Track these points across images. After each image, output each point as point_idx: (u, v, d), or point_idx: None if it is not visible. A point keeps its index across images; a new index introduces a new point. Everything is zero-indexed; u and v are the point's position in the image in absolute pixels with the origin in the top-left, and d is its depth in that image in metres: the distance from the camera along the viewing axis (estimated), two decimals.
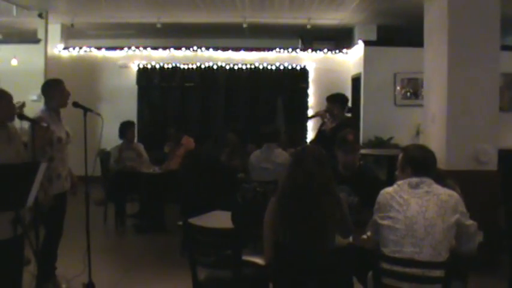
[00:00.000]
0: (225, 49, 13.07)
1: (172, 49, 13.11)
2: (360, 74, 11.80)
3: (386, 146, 10.54)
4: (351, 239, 4.07)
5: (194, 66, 13.01)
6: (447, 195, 3.67)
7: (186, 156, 8.25)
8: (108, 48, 13.19)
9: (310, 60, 13.08)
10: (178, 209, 7.85)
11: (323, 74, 12.95)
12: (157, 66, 13.06)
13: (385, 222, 3.69)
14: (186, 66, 13.03)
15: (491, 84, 6.44)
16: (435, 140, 6.61)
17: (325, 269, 3.74)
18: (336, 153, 5.24)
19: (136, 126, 9.98)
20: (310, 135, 12.50)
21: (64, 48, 13.12)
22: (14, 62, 11.82)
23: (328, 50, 13.09)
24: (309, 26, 11.98)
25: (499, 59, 6.50)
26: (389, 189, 3.81)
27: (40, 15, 11.43)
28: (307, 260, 3.75)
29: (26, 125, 5.20)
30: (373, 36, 12.39)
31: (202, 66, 13.01)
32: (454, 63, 6.39)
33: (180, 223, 4.44)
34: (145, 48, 13.12)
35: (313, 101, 12.99)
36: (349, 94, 11.10)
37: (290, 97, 13.02)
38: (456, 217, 3.59)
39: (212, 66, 13.02)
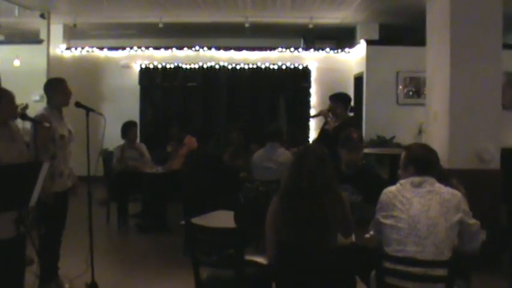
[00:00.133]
0: (227, 49, 13.07)
1: (174, 49, 13.12)
2: (362, 73, 11.79)
3: (389, 145, 10.53)
4: (353, 238, 4.07)
5: (196, 66, 13.01)
6: (450, 194, 3.66)
7: (189, 155, 8.25)
8: (110, 48, 13.20)
9: (312, 59, 13.07)
10: (180, 208, 7.84)
11: (325, 74, 12.94)
12: (160, 66, 13.07)
13: (388, 221, 3.69)
14: (188, 66, 13.03)
15: (494, 83, 6.44)
16: (437, 138, 6.61)
17: (327, 268, 3.74)
18: (339, 152, 5.24)
19: (138, 126, 9.98)
20: (313, 135, 12.50)
21: (66, 49, 13.13)
22: (17, 63, 11.85)
23: (330, 49, 13.08)
24: (311, 26, 11.98)
25: (501, 57, 6.50)
26: (392, 188, 3.81)
27: (42, 16, 11.43)
28: (310, 259, 3.74)
29: (28, 125, 5.21)
30: (375, 35, 12.39)
31: (205, 66, 13.01)
32: (456, 62, 6.39)
33: (183, 223, 4.45)
34: (147, 48, 13.13)
35: (315, 100, 12.97)
36: (351, 93, 11.07)
37: (292, 96, 13.02)
38: (459, 216, 3.58)
39: (214, 66, 13.02)
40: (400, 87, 11.36)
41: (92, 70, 13.06)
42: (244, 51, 13.07)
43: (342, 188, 4.55)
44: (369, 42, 11.64)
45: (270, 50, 13.07)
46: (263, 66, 12.99)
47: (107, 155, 9.05)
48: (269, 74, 12.99)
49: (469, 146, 6.37)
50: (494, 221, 6.06)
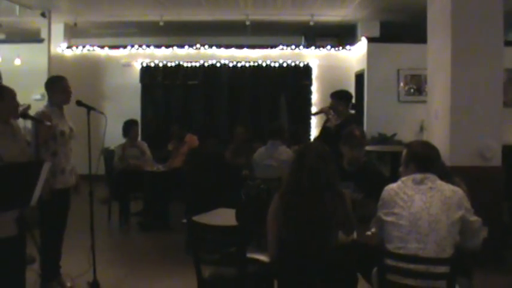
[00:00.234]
0: (228, 47, 13.08)
1: (175, 47, 13.14)
2: (363, 70, 11.79)
3: (390, 143, 10.54)
4: (355, 235, 4.07)
5: (197, 64, 13.02)
6: (451, 191, 3.66)
7: (190, 153, 8.25)
8: (111, 47, 13.21)
9: (313, 57, 13.07)
10: (182, 206, 7.85)
11: (326, 71, 12.94)
12: (161, 64, 13.09)
13: (390, 218, 3.69)
14: (189, 64, 13.04)
15: (495, 80, 6.42)
16: (439, 136, 6.60)
17: (329, 265, 3.75)
18: (342, 149, 5.24)
19: (139, 124, 9.98)
20: (314, 132, 12.50)
21: (67, 47, 13.15)
22: (18, 62, 11.86)
23: (332, 47, 13.08)
24: (312, 23, 11.98)
25: (503, 54, 6.49)
26: (393, 185, 3.81)
27: (43, 15, 11.44)
28: (311, 257, 3.75)
29: (29, 124, 5.22)
30: (376, 33, 12.39)
31: (206, 64, 13.03)
32: (458, 59, 6.37)
33: (184, 221, 4.45)
34: (148, 46, 13.14)
35: (316, 97, 12.98)
36: (352, 91, 11.08)
37: (293, 94, 13.03)
38: (460, 213, 3.58)
39: (215, 64, 13.03)
40: (401, 84, 11.36)
41: (93, 69, 13.07)
42: (245, 49, 13.07)
43: (344, 185, 4.55)
44: (370, 40, 11.64)
45: (271, 47, 13.08)
46: (264, 64, 13.01)
47: (108, 154, 9.06)
48: (270, 72, 13.00)
49: (471, 143, 6.36)
50: (496, 218, 6.05)
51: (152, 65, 13.10)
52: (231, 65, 13.04)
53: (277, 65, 12.99)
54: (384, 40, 11.74)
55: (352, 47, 12.91)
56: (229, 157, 8.73)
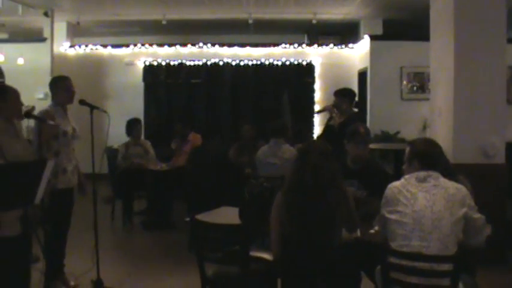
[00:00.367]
0: (230, 45, 13.09)
1: (178, 46, 13.14)
2: (366, 68, 11.78)
3: (393, 140, 10.53)
4: (358, 233, 4.07)
5: (200, 63, 13.03)
6: (455, 188, 3.65)
7: (193, 152, 8.25)
8: (114, 46, 13.22)
9: (316, 55, 13.07)
10: (185, 205, 7.86)
11: (329, 69, 12.94)
12: (163, 63, 13.09)
13: (393, 216, 3.68)
14: (192, 63, 13.05)
15: (498, 77, 6.41)
16: (442, 133, 6.59)
17: (332, 263, 3.75)
18: (346, 146, 5.23)
19: (142, 123, 9.99)
20: (317, 130, 12.50)
21: (70, 47, 13.16)
22: (21, 61, 11.87)
23: (334, 45, 13.08)
24: (314, 21, 11.99)
25: (505, 51, 6.48)
26: (396, 183, 3.81)
27: (46, 14, 11.46)
28: (315, 255, 3.75)
29: (32, 123, 5.23)
30: (379, 31, 12.38)
31: (208, 63, 13.03)
32: (460, 57, 6.37)
33: (188, 219, 4.45)
34: (151, 45, 13.15)
35: (319, 96, 12.99)
36: (355, 89, 11.07)
37: (296, 92, 13.01)
38: (464, 210, 3.58)
39: (218, 63, 13.04)
40: (404, 82, 11.36)
41: (95, 68, 13.08)
42: (248, 48, 13.08)
43: (348, 183, 4.55)
44: (373, 38, 11.64)
45: (274, 46, 13.07)
46: (267, 63, 13.01)
47: (111, 153, 9.06)
48: (273, 70, 13.00)
49: (474, 141, 6.35)
50: (500, 216, 6.04)
51: (155, 63, 13.11)
52: (233, 63, 13.04)
53: (279, 63, 13.00)
54: (386, 38, 11.75)
55: (355, 45, 12.90)
56: (233, 155, 8.73)
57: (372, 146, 8.84)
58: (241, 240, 4.11)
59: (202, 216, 4.56)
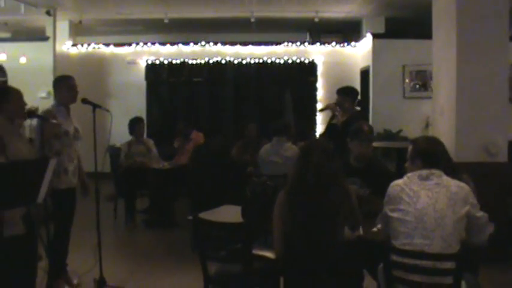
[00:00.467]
0: (233, 44, 13.08)
1: (180, 44, 13.13)
2: (368, 66, 11.77)
3: (396, 139, 10.51)
4: (361, 231, 4.07)
5: (202, 61, 13.02)
6: (457, 186, 3.65)
7: (196, 151, 8.26)
8: (117, 45, 13.22)
9: (318, 53, 13.05)
10: (188, 203, 7.86)
11: (331, 68, 12.92)
12: (166, 61, 13.08)
13: (395, 214, 3.68)
14: (194, 62, 13.04)
15: (501, 76, 6.40)
16: (444, 132, 6.59)
17: (335, 262, 3.75)
18: (349, 145, 5.23)
19: (145, 121, 9.99)
20: (319, 129, 12.50)
21: (72, 45, 13.16)
22: (23, 60, 11.88)
23: (336, 43, 13.05)
24: (316, 19, 11.96)
25: (508, 49, 6.47)
26: (399, 181, 3.81)
27: (48, 13, 11.47)
28: (317, 253, 3.75)
29: (34, 122, 5.24)
30: (381, 29, 12.36)
31: (211, 61, 13.02)
32: (463, 55, 6.36)
33: (190, 218, 4.45)
34: (153, 44, 13.14)
35: (321, 94, 12.96)
36: (357, 87, 11.05)
37: (299, 91, 13.00)
38: (466, 208, 3.58)
39: (220, 61, 13.02)
40: (407, 80, 11.33)
41: (98, 67, 13.08)
42: (250, 46, 13.07)
43: (351, 181, 4.55)
44: (375, 36, 11.61)
45: (276, 44, 13.06)
46: (269, 61, 12.99)
47: (114, 151, 9.07)
48: (275, 69, 12.99)
49: (476, 139, 6.35)
50: (503, 214, 6.04)
51: (157, 62, 13.10)
52: (236, 62, 13.02)
53: (282, 61, 12.97)
54: (389, 36, 11.71)
55: (357, 43, 12.88)
56: (236, 154, 8.73)
57: (374, 144, 8.81)
58: (244, 238, 4.11)
59: (205, 215, 4.56)
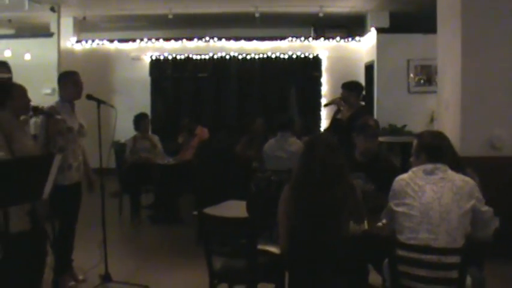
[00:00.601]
0: (237, 39, 13.07)
1: (184, 40, 13.13)
2: (373, 61, 11.75)
3: (400, 134, 10.50)
4: (366, 226, 4.06)
5: (206, 57, 13.02)
6: (462, 181, 3.65)
7: (200, 146, 8.26)
8: (121, 41, 13.23)
9: (322, 48, 13.04)
10: (193, 199, 7.87)
11: (336, 62, 12.91)
12: (170, 57, 13.09)
13: (400, 209, 3.68)
14: (198, 57, 13.05)
15: (505, 70, 6.38)
16: (449, 126, 6.57)
17: (339, 256, 3.75)
18: (355, 140, 5.22)
19: (150, 117, 10.00)
20: (324, 124, 12.49)
21: (77, 42, 13.17)
22: (27, 57, 11.89)
23: (341, 38, 13.03)
24: (321, 14, 11.95)
25: None
26: (404, 176, 3.80)
27: (52, 9, 11.48)
28: (322, 248, 3.75)
29: (38, 118, 5.25)
30: (385, 23, 12.33)
31: (215, 57, 13.03)
32: (468, 49, 6.34)
33: (195, 213, 4.46)
34: (157, 39, 13.14)
35: (326, 89, 12.96)
36: (362, 82, 11.04)
37: (303, 86, 13.02)
38: (472, 203, 3.57)
39: (225, 57, 13.03)
40: (411, 75, 11.32)
41: (102, 63, 13.09)
42: (254, 41, 13.06)
43: (356, 176, 4.56)
44: (380, 31, 11.59)
45: (280, 39, 13.05)
46: (273, 56, 12.99)
47: (118, 147, 9.08)
48: (279, 64, 12.98)
49: (481, 134, 6.33)
50: (508, 208, 6.01)
51: (161, 58, 13.11)
52: (240, 57, 13.03)
53: (286, 56, 12.98)
54: (393, 31, 11.69)
55: (362, 38, 12.87)
56: (240, 149, 8.73)
57: (379, 139, 8.83)
58: (249, 233, 4.12)
59: (210, 210, 4.57)
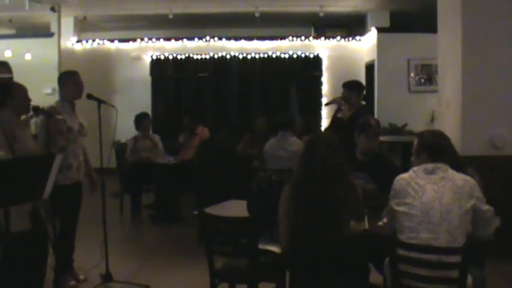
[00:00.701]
0: (237, 39, 13.08)
1: (185, 40, 13.14)
2: (373, 61, 11.75)
3: (401, 133, 10.50)
4: (366, 225, 4.06)
5: (207, 57, 13.03)
6: (463, 180, 3.65)
7: (201, 146, 8.26)
8: (121, 40, 13.23)
9: (323, 48, 13.04)
10: (193, 199, 7.87)
11: (336, 62, 12.91)
12: (171, 57, 13.10)
13: (401, 208, 3.68)
14: (199, 57, 13.06)
15: (506, 69, 6.38)
16: (450, 126, 6.57)
17: (340, 255, 3.75)
18: (356, 139, 5.22)
19: (150, 117, 10.00)
20: (325, 123, 12.49)
21: (77, 41, 13.17)
22: (28, 56, 11.89)
23: (341, 38, 13.04)
24: (321, 14, 11.95)
25: None
26: (404, 175, 3.80)
27: (53, 9, 11.48)
28: (323, 247, 3.75)
29: (39, 119, 5.26)
30: (386, 23, 12.33)
31: (215, 56, 13.04)
32: (468, 48, 6.34)
33: (196, 213, 4.46)
34: (158, 39, 13.15)
35: (326, 88, 12.96)
36: (363, 81, 11.04)
37: (303, 85, 13.04)
38: (472, 202, 3.57)
39: (225, 56, 13.04)
40: (412, 74, 11.32)
41: (103, 62, 13.09)
42: (254, 41, 13.07)
43: (357, 176, 4.55)
44: (380, 30, 11.60)
45: (281, 39, 13.06)
46: (274, 56, 13.00)
47: (119, 147, 9.08)
48: (280, 63, 12.99)
49: (482, 133, 6.33)
50: (509, 208, 6.01)
51: (162, 57, 13.12)
52: (240, 56, 13.04)
53: (287, 56, 12.99)
54: (394, 30, 11.70)
55: (362, 38, 12.87)
56: (241, 149, 8.73)
57: (380, 138, 8.82)
58: (250, 233, 4.12)
59: (211, 210, 4.57)
